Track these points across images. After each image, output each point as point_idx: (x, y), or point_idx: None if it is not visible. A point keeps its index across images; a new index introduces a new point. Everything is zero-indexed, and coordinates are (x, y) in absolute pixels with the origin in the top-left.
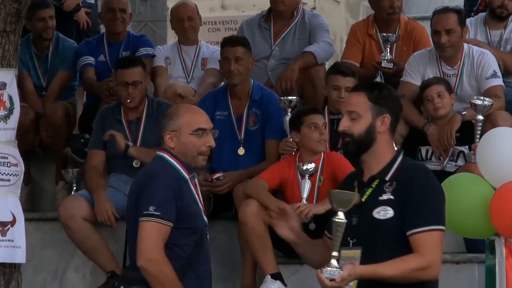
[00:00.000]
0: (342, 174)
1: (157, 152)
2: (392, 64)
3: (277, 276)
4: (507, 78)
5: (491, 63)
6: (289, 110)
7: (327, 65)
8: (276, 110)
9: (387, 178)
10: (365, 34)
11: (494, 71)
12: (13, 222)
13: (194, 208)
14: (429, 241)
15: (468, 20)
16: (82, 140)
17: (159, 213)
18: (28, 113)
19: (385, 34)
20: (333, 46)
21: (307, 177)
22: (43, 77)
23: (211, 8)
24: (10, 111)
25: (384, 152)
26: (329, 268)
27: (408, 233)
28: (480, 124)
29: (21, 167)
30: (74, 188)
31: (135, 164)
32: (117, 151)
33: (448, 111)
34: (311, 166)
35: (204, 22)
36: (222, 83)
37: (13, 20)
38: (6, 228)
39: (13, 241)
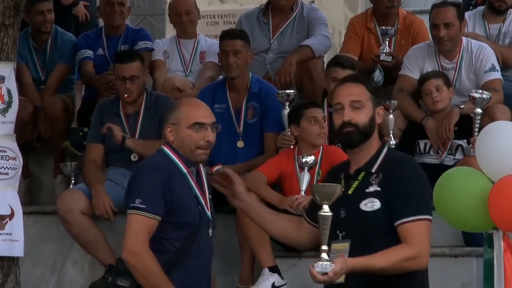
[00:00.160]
0: None
1: (162, 145)
2: (390, 57)
3: (274, 269)
4: (506, 72)
5: (489, 56)
6: (287, 103)
7: (326, 58)
8: (275, 103)
9: (373, 170)
10: (364, 27)
11: (493, 64)
12: (11, 216)
13: (187, 203)
14: (417, 231)
15: (466, 14)
16: (80, 134)
17: (145, 206)
18: (27, 107)
19: (383, 28)
20: (331, 39)
21: (306, 170)
22: (41, 70)
23: (209, 2)
24: (9, 104)
25: (371, 145)
26: (321, 263)
27: (396, 223)
28: (479, 117)
29: (20, 161)
30: (73, 181)
31: (133, 157)
32: (115, 145)
33: (447, 105)
34: (310, 158)
35: (202, 16)
36: (221, 77)
37: (11, 14)
38: (4, 222)
39: (11, 234)
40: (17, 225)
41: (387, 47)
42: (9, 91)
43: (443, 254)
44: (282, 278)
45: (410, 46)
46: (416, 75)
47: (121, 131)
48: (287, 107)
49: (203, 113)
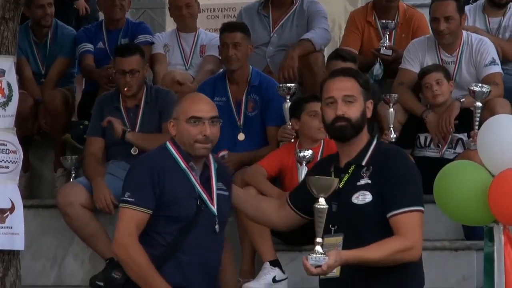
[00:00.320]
0: None
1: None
2: (391, 51)
3: (275, 263)
4: (506, 66)
5: (489, 50)
6: (288, 97)
7: (326, 52)
8: (276, 96)
9: (363, 163)
10: (364, 21)
11: (493, 58)
12: (12, 209)
13: (182, 197)
14: (409, 222)
15: (466, 8)
16: (81, 127)
17: (133, 200)
18: (27, 100)
19: (384, 21)
20: (331, 32)
21: (304, 164)
22: (41, 64)
23: None
24: (9, 98)
25: (361, 139)
26: (314, 255)
27: (388, 215)
28: (479, 111)
29: (20, 154)
30: (73, 175)
31: (133, 151)
32: (115, 138)
33: (447, 99)
34: (308, 153)
35: (202, 9)
36: (221, 70)
37: (11, 7)
38: (5, 215)
39: (11, 228)
40: (17, 219)
41: (387, 41)
42: (9, 85)
43: (443, 247)
44: (283, 272)
45: (410, 40)
46: (416, 69)
47: (122, 124)
48: (288, 100)
49: (201, 107)
